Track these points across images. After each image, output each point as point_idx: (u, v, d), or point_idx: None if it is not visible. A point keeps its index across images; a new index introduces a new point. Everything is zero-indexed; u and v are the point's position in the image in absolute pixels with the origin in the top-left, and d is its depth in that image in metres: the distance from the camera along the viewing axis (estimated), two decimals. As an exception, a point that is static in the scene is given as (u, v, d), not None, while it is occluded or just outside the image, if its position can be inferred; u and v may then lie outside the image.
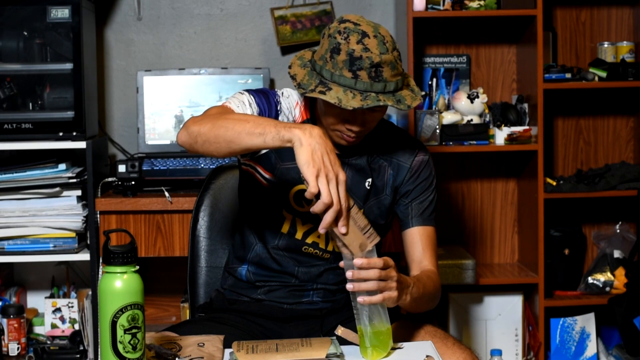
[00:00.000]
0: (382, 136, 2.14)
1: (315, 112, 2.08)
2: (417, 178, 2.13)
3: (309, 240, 2.09)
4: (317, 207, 1.71)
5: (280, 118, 2.06)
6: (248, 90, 2.08)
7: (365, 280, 1.73)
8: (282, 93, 2.12)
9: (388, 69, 1.90)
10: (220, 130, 1.83)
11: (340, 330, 1.83)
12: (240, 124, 1.81)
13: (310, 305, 2.11)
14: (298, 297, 2.12)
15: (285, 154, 2.07)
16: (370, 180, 2.10)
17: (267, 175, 2.09)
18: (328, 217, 1.71)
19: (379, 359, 1.77)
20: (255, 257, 2.14)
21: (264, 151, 2.08)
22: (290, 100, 2.10)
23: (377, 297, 1.74)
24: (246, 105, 2.02)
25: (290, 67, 2.01)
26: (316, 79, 1.95)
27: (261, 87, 2.15)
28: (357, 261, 1.73)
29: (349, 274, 1.74)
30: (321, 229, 1.73)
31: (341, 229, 1.73)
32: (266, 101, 2.05)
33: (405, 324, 2.05)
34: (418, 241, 2.11)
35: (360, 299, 1.74)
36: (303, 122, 2.09)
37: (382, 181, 2.11)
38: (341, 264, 1.78)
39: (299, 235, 2.09)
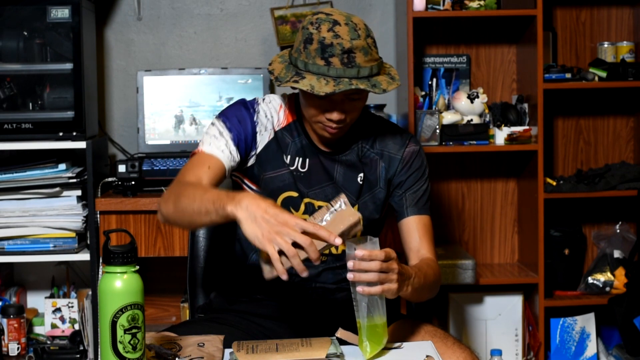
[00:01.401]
0: (371, 130, 2.14)
1: (301, 112, 2.09)
2: (409, 168, 2.14)
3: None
4: (300, 267, 1.69)
5: (257, 129, 2.08)
6: (222, 114, 2.09)
7: (365, 271, 1.73)
8: (264, 99, 2.14)
9: (361, 54, 1.92)
10: (179, 214, 1.89)
11: (340, 333, 1.83)
12: (191, 204, 1.85)
13: (309, 304, 2.12)
14: (297, 297, 2.12)
15: (265, 164, 2.09)
16: (362, 175, 2.10)
17: (253, 187, 2.11)
18: (311, 255, 1.68)
19: (375, 352, 1.77)
20: (254, 263, 2.14)
21: (250, 163, 2.09)
22: (272, 105, 2.12)
23: (376, 289, 1.74)
24: (218, 137, 2.04)
25: (270, 64, 2.04)
26: (292, 71, 1.97)
27: (240, 99, 2.14)
28: (359, 252, 1.72)
29: (350, 264, 1.73)
30: (315, 261, 1.70)
31: (336, 241, 1.70)
32: (238, 120, 2.06)
33: (405, 324, 2.05)
34: (415, 230, 2.11)
35: (359, 288, 1.74)
36: (289, 124, 2.11)
37: (375, 175, 2.12)
38: (349, 264, 1.77)
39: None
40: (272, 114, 2.11)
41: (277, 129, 2.11)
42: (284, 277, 1.68)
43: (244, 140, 2.07)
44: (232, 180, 2.18)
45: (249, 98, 2.16)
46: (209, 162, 2.02)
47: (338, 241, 1.69)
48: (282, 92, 2.75)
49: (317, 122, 2.01)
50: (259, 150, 2.09)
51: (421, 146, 2.18)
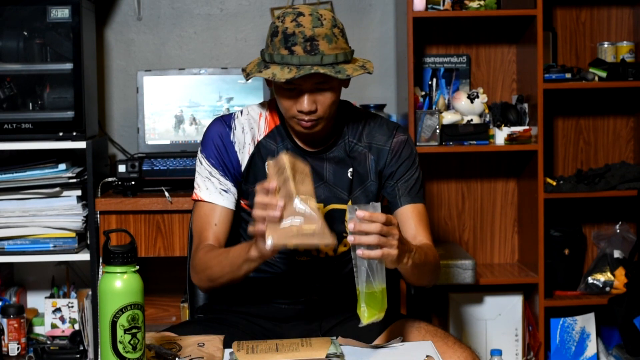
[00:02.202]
0: (357, 124, 2.14)
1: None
2: (399, 158, 2.13)
3: (300, 249, 2.10)
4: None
5: (236, 148, 2.10)
6: (203, 149, 2.13)
7: (366, 234, 1.73)
8: (242, 112, 2.15)
9: (324, 42, 1.93)
10: (217, 282, 2.00)
11: (340, 341, 1.82)
12: (223, 270, 1.97)
13: (309, 304, 2.12)
14: (296, 297, 2.12)
15: (251, 178, 2.10)
16: (351, 169, 2.10)
17: (243, 202, 2.14)
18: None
19: (373, 319, 1.76)
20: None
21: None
22: (250, 116, 2.13)
23: (375, 252, 1.73)
24: (211, 179, 2.10)
25: (249, 64, 2.06)
26: (260, 64, 1.99)
27: (216, 119, 2.16)
28: (360, 213, 1.72)
29: (350, 225, 1.73)
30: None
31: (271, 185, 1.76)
32: (218, 150, 2.10)
33: (405, 324, 2.05)
34: (410, 219, 2.10)
35: (359, 251, 1.73)
36: (272, 130, 2.12)
37: (365, 168, 2.12)
38: (362, 259, 1.77)
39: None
40: (251, 126, 2.12)
41: (259, 139, 2.11)
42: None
43: (230, 170, 2.10)
44: None
45: (244, 105, 2.18)
46: (214, 217, 2.09)
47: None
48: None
49: (292, 117, 2.01)
50: (243, 168, 2.11)
51: (409, 135, 2.18)
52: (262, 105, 2.17)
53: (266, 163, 1.80)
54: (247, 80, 2.03)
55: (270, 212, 1.73)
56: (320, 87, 1.96)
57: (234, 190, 2.11)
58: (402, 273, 1.95)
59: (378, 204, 1.76)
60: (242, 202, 2.14)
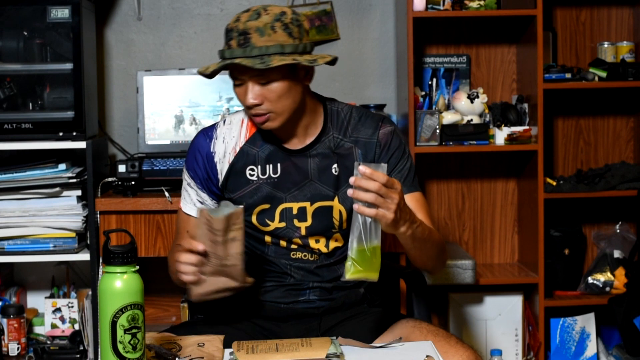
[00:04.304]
0: (341, 119, 2.14)
1: None
2: (388, 150, 2.13)
3: (294, 246, 2.10)
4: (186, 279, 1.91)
5: (216, 159, 2.13)
6: (186, 161, 2.19)
7: (365, 190, 1.74)
8: (225, 121, 2.18)
9: (256, 34, 1.95)
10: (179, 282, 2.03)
11: (340, 341, 1.82)
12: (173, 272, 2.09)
13: (308, 304, 2.12)
14: (295, 296, 2.12)
15: (231, 187, 2.12)
16: (335, 165, 2.10)
17: None
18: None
19: (355, 277, 1.77)
20: (249, 264, 2.15)
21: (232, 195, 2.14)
22: (233, 124, 2.16)
23: (370, 211, 1.75)
24: (188, 191, 2.17)
25: None
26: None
27: (200, 131, 2.20)
28: (362, 168, 1.74)
29: (351, 179, 1.75)
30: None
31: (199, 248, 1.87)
32: (197, 163, 2.15)
33: (407, 324, 2.05)
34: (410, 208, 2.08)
35: (355, 205, 1.75)
36: (253, 134, 2.14)
37: (353, 163, 2.11)
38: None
39: (283, 244, 2.11)
40: (233, 135, 2.14)
41: (240, 146, 2.13)
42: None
43: (208, 182, 2.14)
44: None
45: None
46: (187, 225, 2.17)
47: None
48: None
49: (250, 115, 2.04)
50: (222, 178, 2.13)
51: (395, 126, 2.18)
52: (244, 110, 2.17)
53: (200, 210, 1.87)
54: (209, 78, 2.08)
55: (190, 277, 1.86)
56: (260, 81, 1.98)
57: (210, 202, 2.16)
58: (404, 246, 1.96)
59: (385, 166, 1.77)
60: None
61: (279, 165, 2.10)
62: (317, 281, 2.12)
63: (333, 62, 2.04)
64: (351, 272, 1.76)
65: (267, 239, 2.12)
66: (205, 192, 2.15)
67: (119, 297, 1.56)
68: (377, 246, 1.77)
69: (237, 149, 2.12)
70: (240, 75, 1.99)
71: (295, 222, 2.08)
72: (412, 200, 2.10)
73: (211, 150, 2.13)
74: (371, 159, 2.11)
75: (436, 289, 3.36)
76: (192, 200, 2.16)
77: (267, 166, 2.10)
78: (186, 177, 2.17)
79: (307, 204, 2.08)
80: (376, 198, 1.74)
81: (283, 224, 2.09)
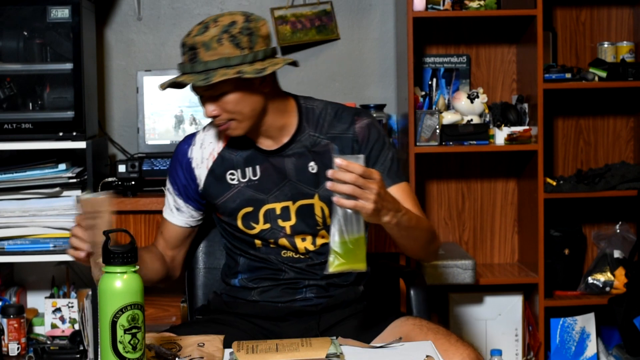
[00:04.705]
0: (316, 117, 2.14)
1: None
2: (367, 143, 2.12)
3: (281, 244, 2.12)
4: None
5: (193, 165, 2.16)
6: (169, 166, 2.23)
7: (343, 183, 1.74)
8: (205, 128, 2.21)
9: (202, 49, 1.97)
10: None
11: (340, 341, 1.82)
12: None
13: (305, 302, 2.12)
14: (292, 295, 2.12)
15: (212, 192, 2.14)
16: (312, 163, 2.11)
17: (220, 216, 2.19)
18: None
19: (340, 269, 1.77)
20: (244, 266, 2.18)
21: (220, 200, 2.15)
22: (212, 130, 2.18)
23: (349, 202, 1.75)
24: (167, 197, 2.22)
25: None
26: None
27: (184, 137, 2.25)
28: (338, 160, 1.75)
29: (329, 172, 1.76)
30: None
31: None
32: (176, 170, 2.19)
33: (407, 321, 2.05)
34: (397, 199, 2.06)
35: (335, 198, 1.75)
36: (229, 139, 2.15)
37: (331, 160, 2.10)
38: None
39: (272, 246, 2.13)
40: (210, 141, 2.17)
41: (218, 151, 2.15)
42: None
43: (185, 188, 2.17)
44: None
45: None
46: (162, 227, 2.24)
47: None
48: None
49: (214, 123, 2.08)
50: (202, 184, 2.15)
51: (373, 118, 2.17)
52: None
53: (79, 198, 1.91)
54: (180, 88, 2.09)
55: (80, 253, 1.88)
56: (214, 94, 2.00)
57: (187, 209, 2.19)
58: (392, 235, 1.96)
59: (362, 157, 1.77)
60: (218, 215, 2.19)
61: (257, 167, 2.11)
62: (312, 279, 2.12)
63: (294, 64, 2.05)
64: (334, 265, 1.77)
65: (257, 242, 2.13)
66: (181, 199, 2.18)
67: (119, 297, 1.56)
68: (361, 237, 1.77)
69: (216, 155, 2.15)
70: (194, 90, 2.03)
71: (280, 222, 2.09)
72: (398, 191, 2.10)
73: (189, 156, 2.17)
74: (349, 154, 2.10)
75: (436, 289, 3.36)
76: (169, 205, 2.21)
77: (247, 169, 2.12)
78: (167, 183, 2.22)
79: (289, 203, 2.09)
80: (354, 189, 1.75)
81: (268, 225, 2.10)
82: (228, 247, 2.23)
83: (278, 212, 2.09)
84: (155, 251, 2.24)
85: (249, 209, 2.10)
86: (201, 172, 2.15)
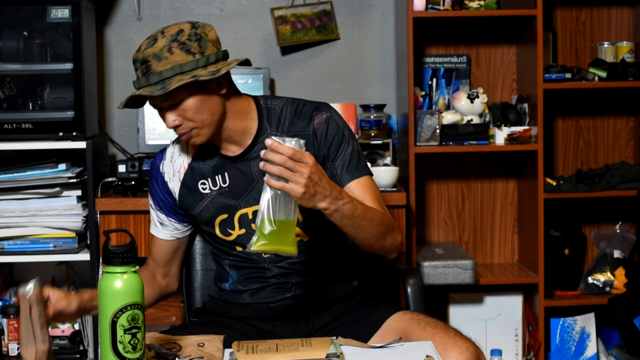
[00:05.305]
0: (276, 116, 2.12)
1: None
2: (326, 138, 2.09)
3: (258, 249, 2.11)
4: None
5: (166, 178, 2.17)
6: (148, 186, 2.23)
7: (272, 163, 1.75)
8: (174, 141, 2.21)
9: (154, 61, 1.96)
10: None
11: (339, 341, 1.82)
12: None
13: (296, 300, 2.12)
14: (282, 294, 2.12)
15: (187, 204, 2.15)
16: None
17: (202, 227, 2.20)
18: None
19: (262, 249, 1.77)
20: (231, 269, 2.18)
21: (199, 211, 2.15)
22: (181, 143, 2.19)
23: (277, 183, 1.75)
24: (151, 213, 2.23)
25: None
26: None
27: (154, 158, 2.25)
28: (268, 141, 1.75)
29: (262, 152, 1.76)
30: None
31: None
32: (154, 186, 2.19)
33: (405, 316, 2.05)
34: (356, 196, 2.02)
35: (265, 177, 1.76)
36: (197, 150, 2.15)
37: None
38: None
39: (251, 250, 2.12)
40: (180, 153, 2.17)
41: (188, 162, 2.16)
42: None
43: (164, 202, 2.18)
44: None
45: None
46: (151, 245, 2.25)
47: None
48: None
49: (176, 133, 2.07)
50: (177, 196, 2.16)
51: (332, 111, 2.13)
52: None
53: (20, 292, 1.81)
54: (138, 108, 2.11)
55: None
56: (171, 103, 1.99)
57: (170, 222, 2.20)
58: (338, 225, 1.93)
59: (300, 140, 1.77)
60: (201, 227, 2.20)
61: (226, 174, 2.11)
62: (298, 276, 2.12)
63: (246, 62, 2.04)
64: (257, 244, 1.77)
65: (238, 247, 2.13)
66: (163, 213, 2.20)
67: (119, 297, 1.56)
68: (289, 221, 1.77)
69: (186, 166, 2.15)
70: (152, 102, 2.02)
71: (253, 226, 2.07)
72: (359, 185, 2.07)
73: (161, 170, 2.18)
74: (310, 150, 2.06)
75: (436, 288, 3.36)
76: (153, 221, 2.23)
77: (217, 177, 2.12)
78: (149, 200, 2.23)
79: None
80: (282, 171, 1.75)
81: (243, 230, 2.10)
82: (214, 253, 2.24)
83: (250, 216, 2.09)
84: (144, 277, 2.19)
85: (224, 215, 2.11)
86: (175, 185, 2.16)
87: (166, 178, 2.17)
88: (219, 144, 2.11)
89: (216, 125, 2.04)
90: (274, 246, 1.77)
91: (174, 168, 2.16)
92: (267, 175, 1.76)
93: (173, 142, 2.21)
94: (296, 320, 2.11)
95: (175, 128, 2.03)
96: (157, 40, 1.98)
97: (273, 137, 1.76)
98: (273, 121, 2.11)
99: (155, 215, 2.21)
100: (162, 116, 2.03)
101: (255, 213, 2.05)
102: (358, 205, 1.93)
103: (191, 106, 1.99)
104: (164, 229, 2.22)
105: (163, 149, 2.22)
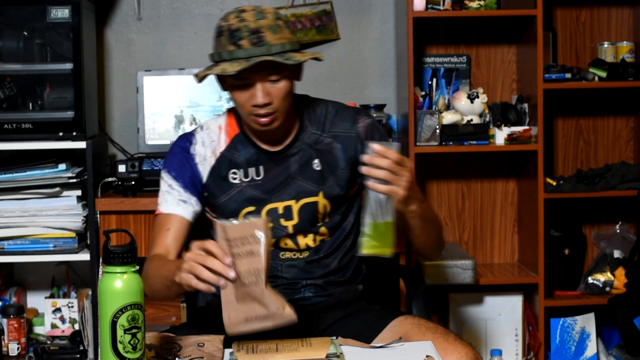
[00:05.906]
0: (318, 115, 2.14)
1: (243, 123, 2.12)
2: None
3: (282, 245, 2.11)
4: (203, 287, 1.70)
5: (197, 160, 2.12)
6: (165, 165, 2.15)
7: (377, 168, 1.81)
8: (202, 127, 2.17)
9: (269, 32, 1.95)
10: (154, 294, 2.00)
11: (340, 341, 1.82)
12: (156, 285, 1.95)
13: (304, 302, 2.12)
14: (290, 295, 2.12)
15: (214, 191, 2.11)
16: (317, 161, 2.10)
17: (213, 214, 2.16)
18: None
19: (370, 252, 1.83)
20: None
21: (205, 194, 2.12)
22: (210, 130, 2.15)
23: (383, 187, 1.82)
24: (170, 192, 2.11)
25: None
26: (211, 66, 2.02)
27: (179, 136, 2.20)
28: (375, 146, 1.82)
29: (365, 157, 1.82)
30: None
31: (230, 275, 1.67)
32: (180, 165, 2.12)
33: (405, 320, 2.05)
34: None
35: (369, 182, 1.82)
36: (232, 139, 2.13)
37: (334, 158, 2.11)
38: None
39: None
40: (211, 139, 2.14)
41: (220, 151, 2.13)
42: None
43: (191, 181, 2.12)
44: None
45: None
46: (167, 224, 2.10)
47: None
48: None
49: (249, 114, 2.01)
50: (204, 180, 2.12)
51: (373, 117, 2.20)
52: (221, 116, 2.18)
53: (215, 222, 1.76)
54: (200, 82, 2.05)
55: (205, 286, 1.70)
56: (272, 78, 1.97)
57: (194, 202, 2.12)
58: (412, 226, 2.00)
59: (397, 144, 1.85)
60: (207, 209, 2.16)
61: (261, 168, 2.10)
62: (310, 278, 2.12)
63: (316, 58, 2.07)
64: (366, 247, 1.83)
65: None
66: (188, 192, 2.11)
67: (119, 297, 1.56)
68: (391, 222, 1.84)
69: (218, 154, 2.13)
70: (252, 75, 1.96)
71: (282, 221, 2.09)
72: None
73: (192, 152, 2.14)
74: (352, 153, 2.11)
75: (436, 289, 3.36)
76: (174, 200, 2.11)
77: (250, 169, 2.11)
78: (167, 180, 2.13)
79: (292, 202, 2.09)
80: (388, 175, 1.82)
81: (270, 225, 2.09)
82: None
83: (281, 211, 2.09)
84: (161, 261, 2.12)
85: (251, 208, 2.09)
86: (205, 169, 2.13)
87: (197, 160, 2.12)
88: (264, 136, 2.09)
89: (288, 114, 2.05)
90: (380, 249, 1.84)
91: (206, 153, 2.13)
92: (370, 180, 1.82)
93: (201, 128, 2.17)
94: (301, 321, 2.11)
95: (258, 107, 1.97)
96: (265, 14, 1.97)
97: (375, 143, 1.82)
98: (313, 119, 2.13)
99: (177, 194, 2.11)
100: (245, 94, 1.97)
101: (287, 209, 2.07)
102: (432, 208, 2.04)
103: (286, 87, 1.99)
104: (188, 207, 2.11)
105: (190, 133, 2.16)
